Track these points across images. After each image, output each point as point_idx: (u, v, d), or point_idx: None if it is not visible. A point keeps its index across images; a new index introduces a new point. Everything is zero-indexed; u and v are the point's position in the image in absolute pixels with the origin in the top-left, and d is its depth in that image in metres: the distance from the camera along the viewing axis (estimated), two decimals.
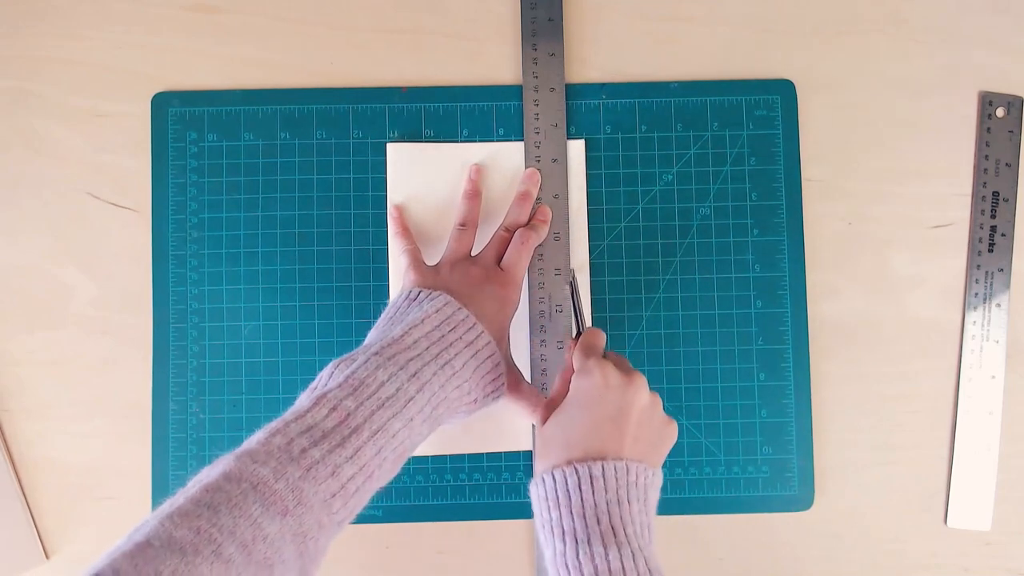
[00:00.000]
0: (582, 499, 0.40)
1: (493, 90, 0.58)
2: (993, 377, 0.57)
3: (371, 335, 0.46)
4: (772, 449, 0.56)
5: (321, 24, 0.58)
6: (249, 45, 0.58)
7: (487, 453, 0.56)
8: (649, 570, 0.38)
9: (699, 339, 0.57)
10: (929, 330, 0.57)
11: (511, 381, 0.49)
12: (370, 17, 0.58)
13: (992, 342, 0.57)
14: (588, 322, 0.55)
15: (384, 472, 0.40)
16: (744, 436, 0.56)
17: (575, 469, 0.40)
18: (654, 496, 0.43)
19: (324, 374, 0.42)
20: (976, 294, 0.57)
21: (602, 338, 0.47)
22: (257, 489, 0.34)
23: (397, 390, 0.40)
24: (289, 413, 0.39)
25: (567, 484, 0.41)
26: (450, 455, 0.56)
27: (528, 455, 0.56)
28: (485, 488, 0.56)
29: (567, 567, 0.39)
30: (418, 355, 0.42)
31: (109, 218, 0.57)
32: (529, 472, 0.56)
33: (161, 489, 0.55)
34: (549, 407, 0.45)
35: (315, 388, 0.41)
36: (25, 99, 0.57)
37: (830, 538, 0.56)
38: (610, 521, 0.39)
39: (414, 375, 0.41)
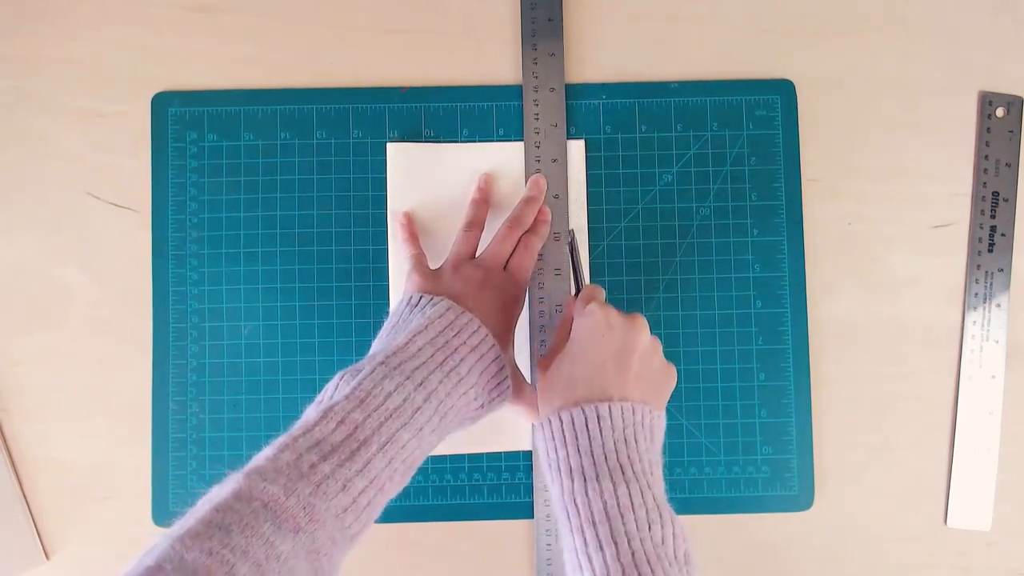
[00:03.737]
0: (589, 438, 0.40)
1: (493, 90, 0.58)
2: (993, 377, 0.57)
3: (375, 344, 0.46)
4: (772, 449, 0.56)
5: (321, 24, 0.58)
6: (249, 45, 0.58)
7: (487, 453, 0.56)
8: (657, 505, 0.39)
9: (699, 339, 0.57)
10: (929, 330, 0.57)
11: (515, 384, 0.48)
12: (370, 17, 0.58)
13: (992, 342, 0.57)
14: (587, 280, 0.55)
15: (395, 483, 0.40)
16: (744, 436, 0.56)
17: (582, 410, 0.41)
18: (660, 436, 0.43)
19: (330, 386, 0.41)
20: (976, 294, 0.57)
21: (602, 292, 0.48)
22: (268, 507, 0.34)
23: (404, 400, 0.40)
24: (296, 427, 0.38)
25: (574, 425, 0.41)
26: (450, 455, 0.56)
27: (528, 455, 0.56)
28: (485, 488, 0.56)
29: (575, 503, 0.39)
30: (423, 363, 0.42)
31: (109, 218, 0.57)
32: (529, 472, 0.56)
33: (161, 489, 0.55)
34: (549, 356, 0.46)
35: (321, 401, 0.40)
36: (25, 99, 0.57)
37: (830, 538, 0.56)
38: (618, 459, 0.40)
39: (420, 384, 0.41)
